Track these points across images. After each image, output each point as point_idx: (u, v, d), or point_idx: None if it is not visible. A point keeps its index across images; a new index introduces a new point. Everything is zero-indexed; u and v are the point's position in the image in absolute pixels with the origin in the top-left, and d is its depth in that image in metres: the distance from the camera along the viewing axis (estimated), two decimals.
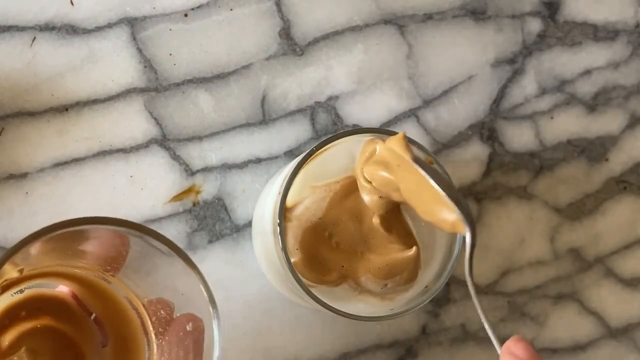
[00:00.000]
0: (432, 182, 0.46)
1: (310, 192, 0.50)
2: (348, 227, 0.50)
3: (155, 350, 0.42)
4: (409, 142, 0.49)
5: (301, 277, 0.48)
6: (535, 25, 0.60)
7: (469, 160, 0.59)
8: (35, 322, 0.41)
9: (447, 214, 0.46)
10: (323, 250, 0.50)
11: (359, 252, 0.51)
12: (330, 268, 0.50)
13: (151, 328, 0.42)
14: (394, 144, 0.48)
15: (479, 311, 0.45)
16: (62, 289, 0.43)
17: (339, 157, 0.51)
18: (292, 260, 0.49)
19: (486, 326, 0.45)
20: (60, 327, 0.41)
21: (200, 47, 0.56)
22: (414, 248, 0.50)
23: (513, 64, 0.60)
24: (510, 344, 0.42)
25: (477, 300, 0.46)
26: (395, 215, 0.51)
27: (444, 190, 0.45)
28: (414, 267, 0.51)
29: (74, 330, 0.41)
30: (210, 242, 0.56)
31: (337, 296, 0.51)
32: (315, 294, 0.48)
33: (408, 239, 0.51)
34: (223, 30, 0.56)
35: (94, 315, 0.43)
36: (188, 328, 0.40)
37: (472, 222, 0.46)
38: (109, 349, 0.42)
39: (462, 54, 0.59)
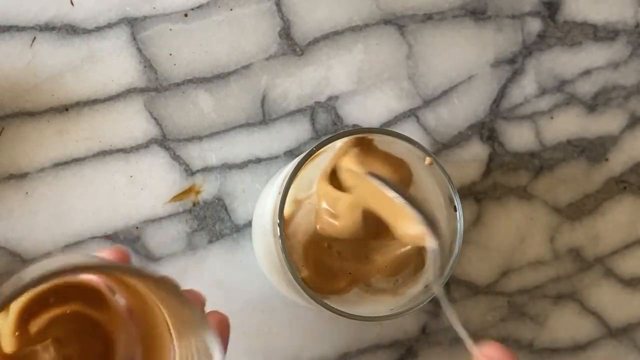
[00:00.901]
0: (389, 192, 0.45)
1: (296, 207, 0.50)
2: None
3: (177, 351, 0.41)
4: (408, 141, 0.49)
5: (311, 290, 0.48)
6: (535, 25, 0.60)
7: (469, 160, 0.59)
8: (64, 309, 0.40)
9: (410, 227, 0.46)
10: (328, 262, 0.50)
11: (363, 256, 0.50)
12: (338, 277, 0.50)
13: (174, 332, 0.41)
14: (348, 161, 0.48)
15: (456, 325, 0.44)
16: (92, 277, 0.42)
17: (322, 166, 0.51)
18: (301, 276, 0.49)
19: (461, 332, 0.43)
20: (90, 313, 0.40)
21: (200, 47, 0.56)
22: None
23: (513, 64, 0.60)
24: (483, 346, 0.41)
25: (451, 312, 0.45)
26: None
27: (403, 199, 0.45)
28: (419, 256, 0.51)
29: (104, 317, 0.40)
30: (210, 242, 0.56)
31: (350, 301, 0.51)
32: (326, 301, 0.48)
33: None
34: (223, 30, 0.56)
35: (124, 302, 0.42)
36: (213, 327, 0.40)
37: (436, 230, 0.45)
38: (139, 339, 0.42)
39: (462, 54, 0.59)
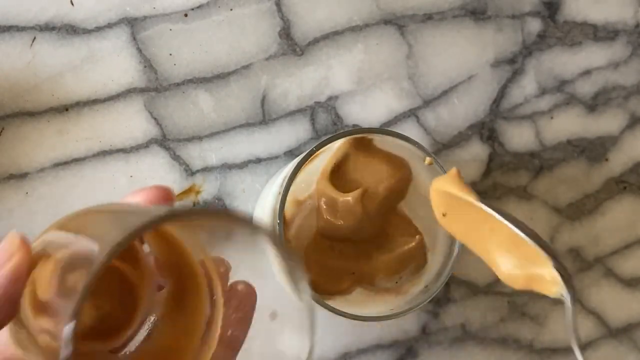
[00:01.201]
0: (515, 229, 0.38)
1: (297, 208, 0.50)
2: None
3: (219, 307, 0.39)
4: (408, 141, 0.49)
5: (314, 292, 0.48)
6: (535, 25, 0.60)
7: (469, 160, 0.59)
8: None
9: (526, 267, 0.40)
10: (330, 262, 0.50)
11: (366, 255, 0.51)
12: (342, 277, 0.50)
13: (219, 286, 0.39)
14: (450, 184, 0.43)
15: None
16: None
17: (322, 166, 0.51)
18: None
19: None
20: (119, 265, 0.38)
21: (200, 47, 0.56)
22: (417, 236, 0.50)
23: (513, 64, 0.60)
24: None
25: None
26: (391, 210, 0.51)
27: (530, 237, 0.38)
28: (421, 253, 0.51)
29: (129, 267, 0.38)
30: None
31: (354, 301, 0.51)
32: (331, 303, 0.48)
33: (409, 229, 0.51)
34: (223, 30, 0.56)
35: (153, 255, 0.39)
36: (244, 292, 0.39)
37: (571, 279, 0.38)
38: (166, 294, 0.39)
39: (462, 54, 0.59)
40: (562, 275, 0.38)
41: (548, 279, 0.38)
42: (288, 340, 0.35)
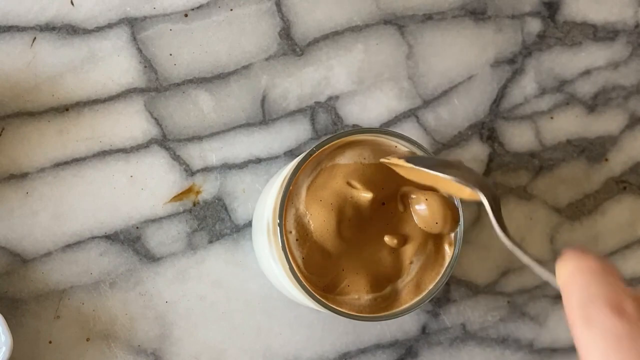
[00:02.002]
0: (434, 172, 0.46)
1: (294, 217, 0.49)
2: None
3: None
4: (408, 141, 0.49)
5: (311, 290, 0.48)
6: (535, 26, 0.60)
7: (469, 160, 0.59)
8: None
9: (464, 189, 0.47)
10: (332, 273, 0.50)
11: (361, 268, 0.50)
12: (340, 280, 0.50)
13: None
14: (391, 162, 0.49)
15: (527, 260, 0.42)
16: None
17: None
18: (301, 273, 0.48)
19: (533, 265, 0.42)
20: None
21: (200, 47, 0.56)
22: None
23: (513, 64, 0.60)
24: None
25: (521, 250, 0.43)
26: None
27: (449, 174, 0.46)
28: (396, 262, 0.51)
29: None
30: (210, 242, 0.56)
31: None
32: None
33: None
34: (223, 30, 0.57)
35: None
36: None
37: (486, 186, 0.46)
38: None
39: (462, 54, 0.59)
40: (473, 185, 0.46)
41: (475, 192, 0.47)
42: None
